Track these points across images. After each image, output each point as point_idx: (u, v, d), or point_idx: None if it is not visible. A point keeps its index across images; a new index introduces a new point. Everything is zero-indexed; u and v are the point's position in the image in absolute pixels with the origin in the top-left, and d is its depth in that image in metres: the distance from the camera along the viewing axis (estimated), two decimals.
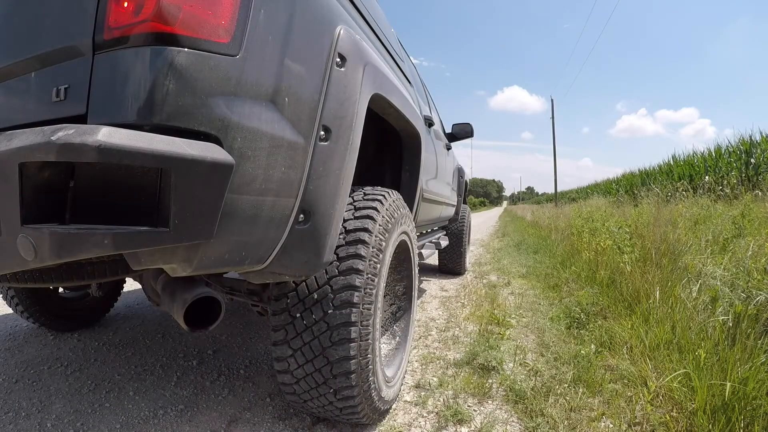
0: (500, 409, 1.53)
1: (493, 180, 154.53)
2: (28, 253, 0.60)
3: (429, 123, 2.42)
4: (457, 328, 2.47)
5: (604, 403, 1.53)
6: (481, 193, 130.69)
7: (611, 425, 1.40)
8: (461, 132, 3.81)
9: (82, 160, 0.57)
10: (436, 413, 1.48)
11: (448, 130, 3.80)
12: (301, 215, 0.95)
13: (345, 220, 1.22)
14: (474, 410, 1.51)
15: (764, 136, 9.02)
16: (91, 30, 0.69)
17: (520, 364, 1.91)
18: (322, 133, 0.97)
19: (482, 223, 16.65)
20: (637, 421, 1.41)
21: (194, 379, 1.70)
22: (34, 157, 0.58)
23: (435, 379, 1.76)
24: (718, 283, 2.19)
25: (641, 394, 1.54)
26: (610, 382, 1.66)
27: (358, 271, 1.15)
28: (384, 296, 1.61)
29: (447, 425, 1.41)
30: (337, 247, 1.17)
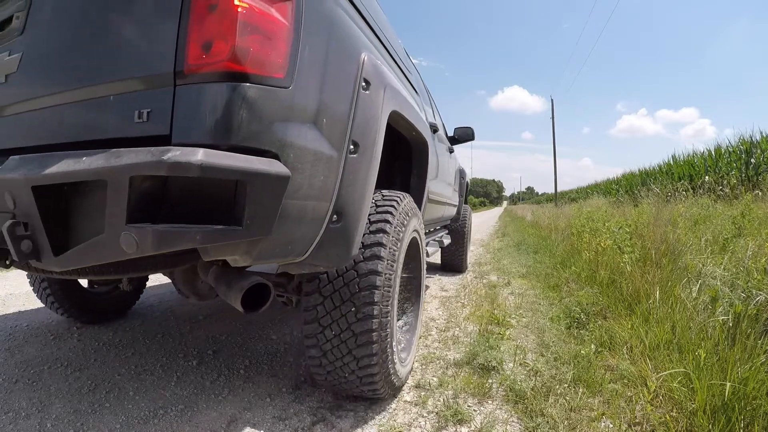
0: (500, 409, 1.53)
1: (493, 180, 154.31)
2: (130, 247, 0.74)
3: (434, 129, 2.55)
4: (457, 328, 2.47)
5: (604, 403, 1.53)
6: (481, 193, 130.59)
7: (611, 425, 1.40)
8: (463, 135, 3.99)
9: (188, 175, 0.71)
10: (436, 413, 1.48)
11: (450, 131, 3.91)
12: (335, 216, 1.12)
13: (369, 214, 1.40)
14: (474, 410, 1.51)
15: (764, 136, 9.02)
16: (172, 65, 0.82)
17: (520, 364, 1.91)
18: (352, 147, 1.15)
19: (482, 223, 16.65)
20: (637, 421, 1.41)
21: (194, 379, 1.70)
22: (144, 171, 0.71)
23: (435, 379, 1.76)
24: (718, 283, 2.19)
25: (641, 394, 1.54)
26: (610, 382, 1.66)
27: (379, 257, 1.33)
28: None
29: (447, 425, 1.41)
30: (363, 235, 1.35)
